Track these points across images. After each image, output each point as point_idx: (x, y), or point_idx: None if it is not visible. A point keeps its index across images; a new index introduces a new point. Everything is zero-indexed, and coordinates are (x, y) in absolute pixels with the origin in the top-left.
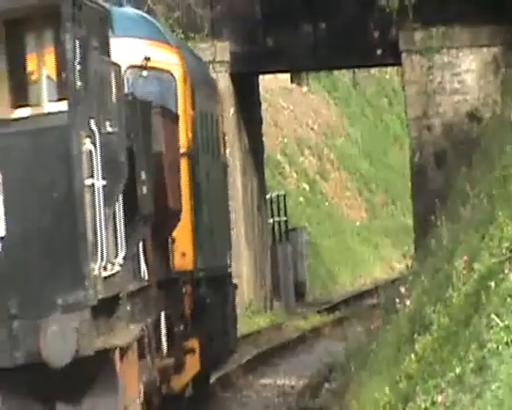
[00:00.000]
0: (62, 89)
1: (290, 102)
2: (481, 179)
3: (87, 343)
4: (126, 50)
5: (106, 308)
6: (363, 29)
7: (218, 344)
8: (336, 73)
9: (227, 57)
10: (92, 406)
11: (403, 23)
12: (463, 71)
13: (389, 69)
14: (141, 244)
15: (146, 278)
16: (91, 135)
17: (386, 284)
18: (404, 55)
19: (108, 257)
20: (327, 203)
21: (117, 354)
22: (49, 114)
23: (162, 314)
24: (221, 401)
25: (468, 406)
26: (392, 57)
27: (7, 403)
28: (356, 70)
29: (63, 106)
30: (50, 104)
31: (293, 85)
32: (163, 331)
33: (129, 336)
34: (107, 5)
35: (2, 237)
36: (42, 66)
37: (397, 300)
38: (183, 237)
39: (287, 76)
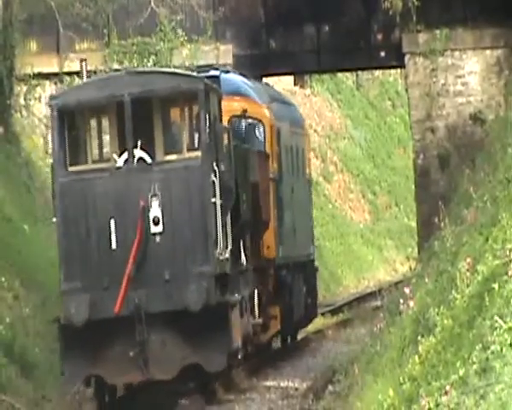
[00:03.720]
0: (197, 143)
1: None
2: (485, 181)
3: (212, 298)
4: (231, 105)
5: (221, 279)
6: (367, 31)
7: (298, 312)
8: (340, 75)
9: (230, 60)
10: (213, 338)
11: (406, 25)
12: (467, 73)
13: (392, 71)
14: (242, 243)
15: (245, 265)
16: (214, 171)
17: (389, 286)
18: (407, 57)
19: (222, 247)
20: (330, 205)
21: (229, 307)
22: (189, 158)
23: (256, 290)
24: (225, 402)
25: (472, 407)
26: (396, 59)
27: (160, 335)
28: (359, 72)
29: (198, 154)
30: (189, 153)
31: (297, 88)
32: (256, 301)
33: (235, 297)
34: (218, 72)
35: (161, 233)
36: (183, 128)
37: (400, 302)
38: (268, 236)
39: (290, 78)
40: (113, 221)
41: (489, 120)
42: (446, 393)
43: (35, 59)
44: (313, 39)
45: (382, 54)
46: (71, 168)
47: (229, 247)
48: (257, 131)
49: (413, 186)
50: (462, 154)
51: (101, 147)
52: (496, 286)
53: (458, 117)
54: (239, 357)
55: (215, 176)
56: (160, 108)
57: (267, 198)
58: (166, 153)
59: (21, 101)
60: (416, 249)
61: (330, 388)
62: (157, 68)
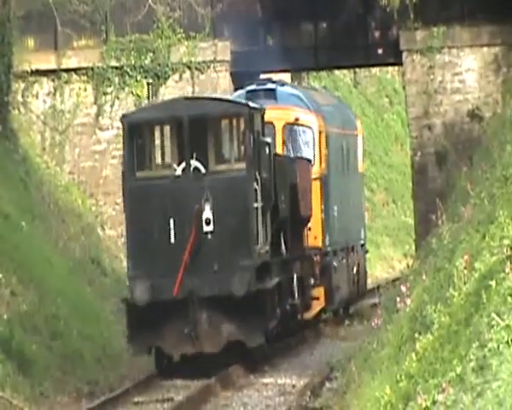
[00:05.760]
0: (242, 156)
1: None
2: (482, 179)
3: (252, 286)
4: (285, 114)
5: (261, 269)
6: (364, 28)
7: (344, 291)
8: (337, 72)
9: (228, 57)
10: (253, 319)
11: (404, 22)
12: (464, 70)
13: (390, 69)
14: (281, 236)
15: (284, 254)
16: (256, 179)
17: (387, 284)
18: (404, 54)
19: (263, 242)
20: None
21: (266, 293)
22: (236, 169)
23: (295, 275)
24: (222, 399)
25: (469, 405)
26: (393, 57)
27: (209, 316)
28: (357, 70)
29: (243, 165)
30: (236, 164)
31: None
32: (295, 284)
33: (272, 283)
34: (274, 85)
35: (212, 231)
36: (231, 143)
37: (398, 299)
38: (315, 227)
39: (287, 75)
40: (172, 220)
41: (486, 118)
42: (443, 390)
43: (33, 56)
44: (311, 36)
45: (380, 51)
46: (138, 174)
47: (269, 241)
48: (307, 137)
49: (410, 183)
50: (459, 151)
51: (163, 158)
52: (493, 283)
53: (455, 114)
54: (274, 333)
55: (257, 184)
56: (213, 127)
57: (308, 196)
58: (217, 164)
59: (19, 98)
60: (413, 247)
61: (327, 385)
62: (210, 95)
